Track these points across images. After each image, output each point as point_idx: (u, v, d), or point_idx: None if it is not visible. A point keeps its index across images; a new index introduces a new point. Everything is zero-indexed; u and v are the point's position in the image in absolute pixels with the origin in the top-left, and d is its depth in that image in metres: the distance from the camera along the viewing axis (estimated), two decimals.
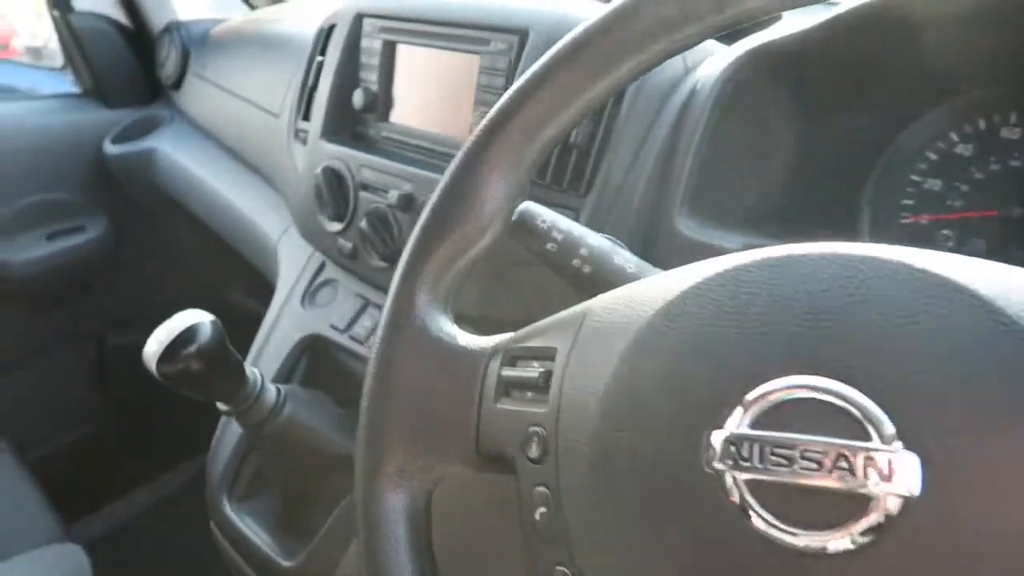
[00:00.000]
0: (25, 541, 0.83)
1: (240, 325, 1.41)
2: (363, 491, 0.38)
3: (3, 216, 1.22)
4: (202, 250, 1.42)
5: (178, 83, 1.26)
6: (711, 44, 0.63)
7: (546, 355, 0.35)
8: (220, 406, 0.62)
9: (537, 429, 0.34)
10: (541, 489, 0.33)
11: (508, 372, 0.36)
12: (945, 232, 0.61)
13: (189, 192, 1.16)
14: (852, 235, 0.61)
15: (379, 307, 0.76)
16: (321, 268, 0.84)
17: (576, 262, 0.48)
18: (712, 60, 0.61)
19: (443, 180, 0.41)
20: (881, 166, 0.63)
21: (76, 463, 1.36)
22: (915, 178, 0.62)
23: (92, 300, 1.35)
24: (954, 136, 0.60)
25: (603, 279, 0.48)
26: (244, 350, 1.47)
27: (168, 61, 1.26)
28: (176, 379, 0.56)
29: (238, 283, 1.41)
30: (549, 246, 0.46)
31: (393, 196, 0.70)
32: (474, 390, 0.37)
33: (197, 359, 0.56)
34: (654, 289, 0.33)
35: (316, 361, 0.78)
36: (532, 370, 0.35)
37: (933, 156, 0.62)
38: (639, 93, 0.59)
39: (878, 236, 0.61)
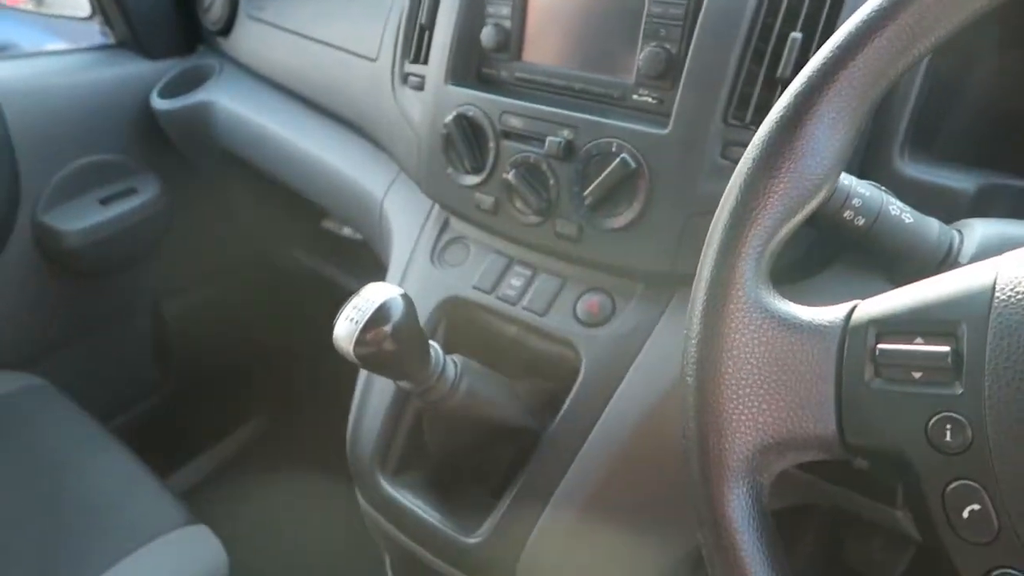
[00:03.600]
0: (153, 527, 0.79)
1: (306, 285, 1.36)
2: (704, 489, 0.33)
3: (54, 181, 1.14)
4: (260, 208, 1.35)
5: (227, 28, 1.16)
6: None
7: (944, 330, 0.30)
8: (402, 384, 0.57)
9: (951, 415, 0.29)
10: (964, 484, 0.29)
11: (891, 347, 0.31)
12: None
13: (256, 147, 1.08)
14: None
15: (527, 265, 0.70)
16: (446, 224, 0.78)
17: (848, 214, 0.43)
18: None
19: (765, 131, 0.35)
20: None
21: (145, 432, 1.32)
22: None
23: (145, 267, 1.29)
24: None
25: (880, 231, 0.43)
26: (314, 310, 1.42)
27: (215, 4, 1.16)
28: (367, 361, 0.51)
29: (299, 241, 1.35)
30: None
31: (551, 144, 0.64)
32: (830, 368, 0.33)
33: (391, 339, 0.51)
34: None
35: (457, 325, 0.73)
36: (931, 347, 0.30)
37: None
38: None
39: None
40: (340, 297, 1.27)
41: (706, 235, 0.59)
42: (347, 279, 1.28)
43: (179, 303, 1.34)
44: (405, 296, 0.52)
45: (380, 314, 0.50)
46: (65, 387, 1.03)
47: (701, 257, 0.37)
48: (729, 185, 0.36)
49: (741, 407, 0.33)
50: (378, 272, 1.27)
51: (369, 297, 0.51)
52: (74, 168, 1.16)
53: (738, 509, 0.33)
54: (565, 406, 0.62)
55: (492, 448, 0.64)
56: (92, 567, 0.75)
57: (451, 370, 0.58)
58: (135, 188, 1.22)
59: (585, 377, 0.63)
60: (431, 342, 0.57)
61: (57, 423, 0.94)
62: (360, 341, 0.50)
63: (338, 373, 1.42)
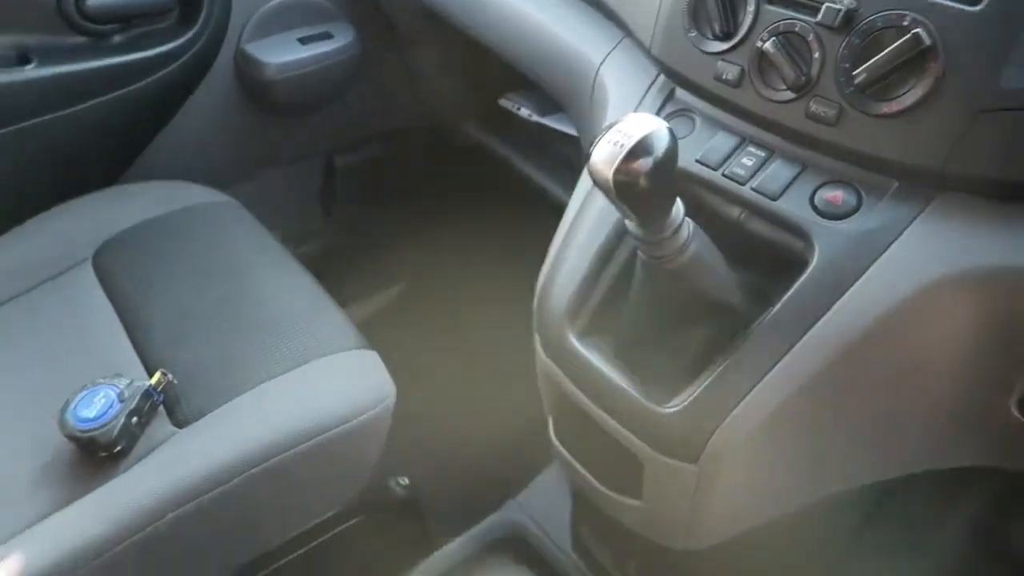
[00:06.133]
0: (328, 344, 0.82)
1: (472, 159, 1.36)
2: None
3: (259, 14, 1.17)
4: (442, 75, 1.35)
5: None
6: None
7: None
8: (634, 230, 0.55)
9: None
10: None
11: None
12: None
13: (462, 3, 1.06)
14: None
15: (762, 146, 0.66)
16: (671, 95, 0.74)
17: None
18: None
19: None
20: None
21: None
22: None
23: (327, 113, 1.32)
24: None
25: None
26: (477, 185, 1.42)
27: None
28: (622, 190, 0.49)
29: (475, 114, 1.34)
30: None
31: (827, 12, 0.58)
32: None
33: (652, 172, 0.48)
34: None
35: None
36: None
37: None
38: None
39: None
40: (506, 175, 1.27)
41: (992, 137, 0.54)
42: (517, 159, 1.26)
43: (350, 155, 1.37)
44: (672, 131, 0.49)
45: (647, 143, 0.48)
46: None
47: None
48: None
49: None
50: (547, 158, 1.26)
51: (637, 124, 0.48)
52: (278, 3, 1.18)
53: None
54: (789, 294, 0.59)
55: (694, 323, 0.62)
56: (266, 370, 0.79)
57: (686, 229, 0.55)
58: (331, 33, 1.24)
59: (816, 269, 0.58)
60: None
61: (245, 238, 0.98)
62: (620, 169, 0.48)
63: (487, 244, 1.43)
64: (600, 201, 0.68)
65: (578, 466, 0.72)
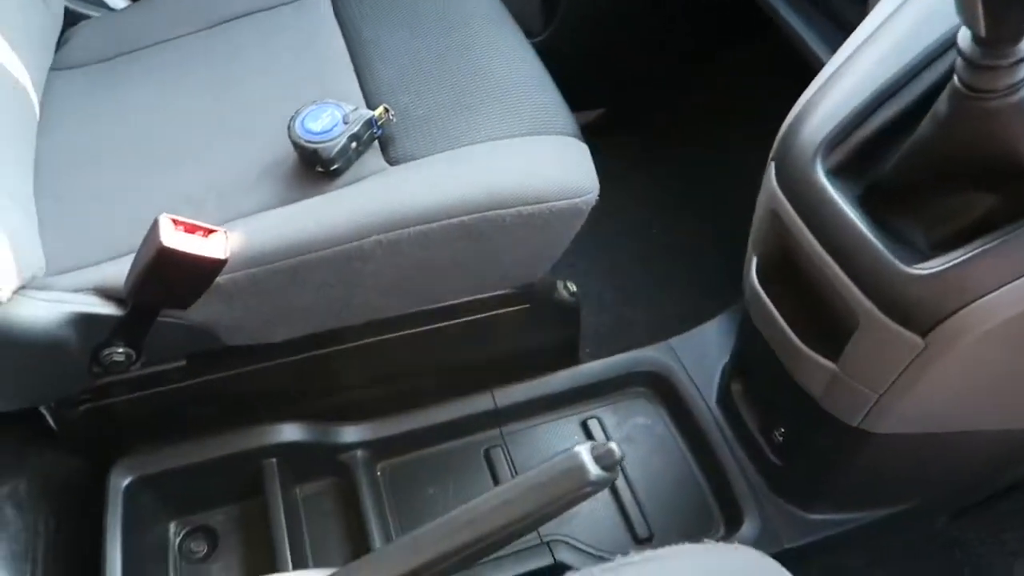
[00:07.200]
0: (544, 124, 0.80)
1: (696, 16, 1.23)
2: None
3: None
4: None
5: None
6: None
7: None
8: (964, 45, 0.46)
9: None
10: None
11: None
12: None
13: None
14: None
15: None
16: None
17: None
18: None
19: None
20: None
21: None
22: None
23: None
24: None
25: None
26: (720, 23, 1.29)
27: None
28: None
29: None
30: None
31: None
32: None
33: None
34: None
35: None
36: None
37: None
38: None
39: None
40: (758, 18, 1.14)
41: None
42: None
43: None
44: None
45: None
46: None
47: None
48: None
49: None
50: (816, 10, 1.10)
51: None
52: None
53: None
54: None
55: (981, 184, 0.53)
56: (484, 132, 0.76)
57: None
58: None
59: None
60: None
61: (485, 5, 0.94)
62: None
63: (716, 88, 1.32)
64: (915, 15, 0.59)
65: (775, 312, 0.68)
